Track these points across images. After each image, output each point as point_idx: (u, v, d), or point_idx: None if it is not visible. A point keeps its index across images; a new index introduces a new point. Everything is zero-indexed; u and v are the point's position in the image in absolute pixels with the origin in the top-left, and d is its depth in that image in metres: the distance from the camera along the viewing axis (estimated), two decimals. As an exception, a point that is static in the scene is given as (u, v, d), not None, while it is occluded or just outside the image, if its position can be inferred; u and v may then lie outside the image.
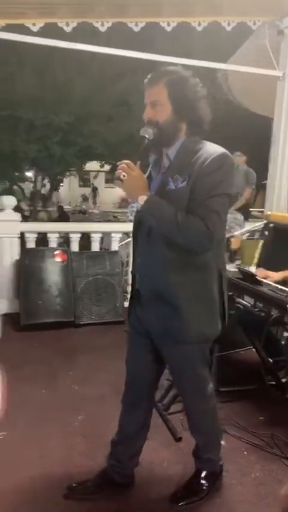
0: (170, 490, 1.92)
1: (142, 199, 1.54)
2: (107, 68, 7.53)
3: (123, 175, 1.53)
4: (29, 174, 15.47)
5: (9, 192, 12.31)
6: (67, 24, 3.73)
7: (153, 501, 1.88)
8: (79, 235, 4.65)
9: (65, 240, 5.30)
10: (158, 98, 1.58)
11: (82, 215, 14.76)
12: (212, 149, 1.57)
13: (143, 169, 1.61)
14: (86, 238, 4.81)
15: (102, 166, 15.45)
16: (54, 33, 3.87)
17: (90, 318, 4.13)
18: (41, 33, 3.75)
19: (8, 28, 3.68)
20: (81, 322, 4.09)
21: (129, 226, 5.00)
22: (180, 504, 1.85)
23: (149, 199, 1.54)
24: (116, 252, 4.51)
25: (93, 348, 3.55)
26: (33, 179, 15.67)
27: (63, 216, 15.10)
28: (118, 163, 1.57)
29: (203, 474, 1.92)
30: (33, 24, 3.65)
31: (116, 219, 14.16)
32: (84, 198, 24.22)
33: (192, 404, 1.87)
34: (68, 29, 3.77)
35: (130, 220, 5.31)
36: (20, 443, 2.26)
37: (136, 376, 1.87)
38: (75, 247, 4.56)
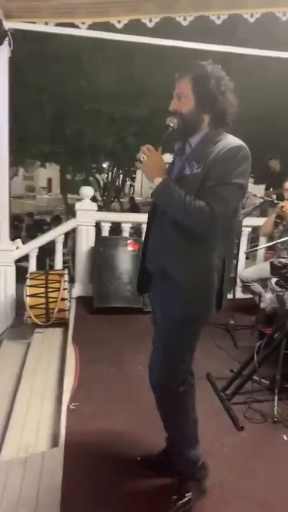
0: (229, 473, 2.00)
1: (157, 180, 1.65)
2: (185, 61, 7.55)
3: (143, 158, 1.66)
4: (103, 165, 15.96)
5: (85, 182, 12.85)
6: (150, 20, 3.84)
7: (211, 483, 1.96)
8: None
9: (135, 231, 5.48)
10: (183, 91, 1.70)
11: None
12: (230, 140, 1.65)
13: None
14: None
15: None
16: (137, 29, 4.00)
17: (158, 307, 4.26)
18: (125, 29, 3.91)
19: (94, 26, 3.89)
20: (149, 310, 4.22)
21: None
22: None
23: (163, 181, 1.65)
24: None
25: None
26: (107, 170, 16.17)
27: (134, 208, 15.44)
28: (141, 146, 1.69)
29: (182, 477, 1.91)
30: (118, 22, 3.81)
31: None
32: (156, 190, 24.48)
33: (157, 384, 1.87)
34: (150, 25, 3.88)
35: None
36: (91, 415, 2.45)
37: None
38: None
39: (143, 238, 4.96)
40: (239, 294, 4.50)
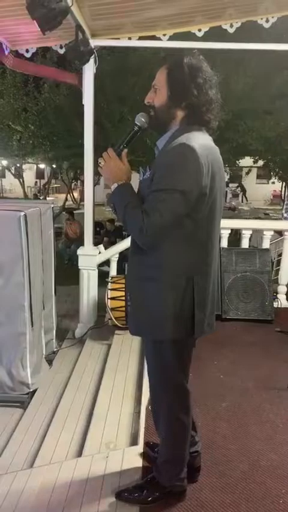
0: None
1: (114, 186, 1.57)
2: (266, 63, 7.39)
3: (100, 163, 1.59)
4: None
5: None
6: (231, 26, 3.83)
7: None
8: (229, 231, 4.73)
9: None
10: (158, 82, 1.55)
11: (232, 211, 14.69)
12: (180, 139, 1.45)
13: (130, 158, 1.61)
14: (232, 234, 4.85)
15: (255, 162, 15.10)
16: (217, 35, 4.01)
17: (237, 314, 4.19)
18: (205, 36, 3.94)
19: (175, 36, 3.97)
20: (227, 317, 4.17)
21: (281, 224, 4.85)
22: (117, 496, 1.89)
23: (117, 187, 1.56)
24: (267, 250, 4.45)
25: (238, 342, 3.61)
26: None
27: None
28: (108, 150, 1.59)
29: (151, 477, 1.88)
30: (199, 30, 3.85)
31: (267, 217, 13.72)
32: (234, 195, 23.95)
33: (151, 399, 1.86)
34: (231, 30, 3.87)
35: (285, 218, 5.21)
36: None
37: None
38: (224, 243, 4.65)
39: (221, 244, 4.97)
40: None
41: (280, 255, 4.88)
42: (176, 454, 1.80)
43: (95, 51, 3.87)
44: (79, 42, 3.49)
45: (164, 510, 1.81)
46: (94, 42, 3.88)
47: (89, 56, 3.76)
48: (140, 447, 2.23)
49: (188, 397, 1.76)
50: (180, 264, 1.53)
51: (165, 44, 3.95)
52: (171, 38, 3.95)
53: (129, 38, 3.98)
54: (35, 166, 24.56)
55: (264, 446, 2.23)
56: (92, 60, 3.89)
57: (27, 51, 3.97)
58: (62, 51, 3.89)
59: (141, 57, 7.94)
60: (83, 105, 4.06)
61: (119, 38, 4.04)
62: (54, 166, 18.17)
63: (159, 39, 3.95)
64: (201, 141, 1.48)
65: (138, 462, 2.12)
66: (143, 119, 1.57)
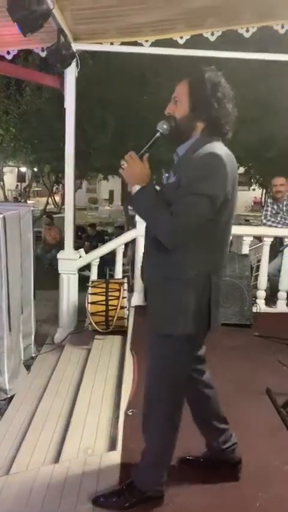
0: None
1: (135, 188, 1.62)
2: (247, 72, 7.51)
3: (123, 164, 1.64)
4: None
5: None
6: (212, 34, 3.89)
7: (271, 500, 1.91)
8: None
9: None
10: (179, 95, 1.65)
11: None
12: (207, 148, 1.55)
13: (151, 162, 1.66)
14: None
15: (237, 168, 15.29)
16: (199, 43, 4.07)
17: (216, 318, 4.22)
18: (187, 44, 3.99)
19: (157, 42, 4.01)
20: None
21: (261, 230, 4.93)
22: (94, 501, 1.88)
23: (140, 189, 1.61)
24: (246, 256, 4.50)
25: (218, 347, 3.58)
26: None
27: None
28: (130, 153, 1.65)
29: (129, 482, 1.88)
30: (181, 38, 3.90)
31: (247, 223, 13.90)
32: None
33: (147, 397, 1.83)
34: (212, 39, 3.93)
35: (264, 225, 5.21)
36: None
37: None
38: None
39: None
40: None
41: (259, 260, 4.94)
42: (162, 458, 1.81)
43: (76, 55, 3.87)
44: (61, 45, 3.49)
45: (141, 515, 1.80)
46: (76, 46, 3.88)
47: (71, 59, 3.76)
48: (118, 452, 2.21)
49: (183, 399, 1.79)
50: (201, 263, 1.62)
51: (147, 50, 3.98)
52: (153, 44, 3.99)
53: (112, 43, 4.00)
54: (16, 169, 24.29)
55: (242, 450, 2.23)
56: (73, 64, 3.89)
57: (8, 53, 3.94)
58: (43, 54, 3.87)
59: (123, 62, 7.98)
60: (65, 108, 4.05)
61: (101, 43, 4.06)
62: (35, 169, 18.01)
63: (141, 45, 3.98)
64: (224, 151, 1.59)
65: (116, 467, 2.10)
66: (165, 126, 1.65)
